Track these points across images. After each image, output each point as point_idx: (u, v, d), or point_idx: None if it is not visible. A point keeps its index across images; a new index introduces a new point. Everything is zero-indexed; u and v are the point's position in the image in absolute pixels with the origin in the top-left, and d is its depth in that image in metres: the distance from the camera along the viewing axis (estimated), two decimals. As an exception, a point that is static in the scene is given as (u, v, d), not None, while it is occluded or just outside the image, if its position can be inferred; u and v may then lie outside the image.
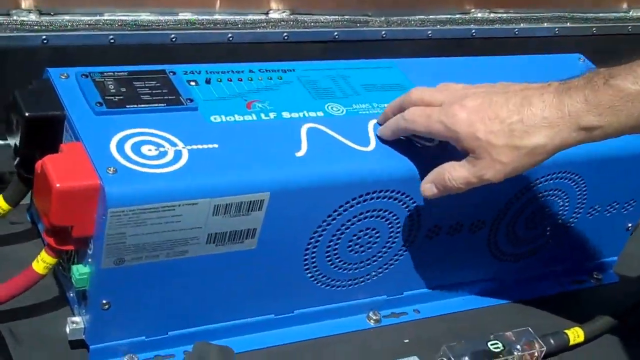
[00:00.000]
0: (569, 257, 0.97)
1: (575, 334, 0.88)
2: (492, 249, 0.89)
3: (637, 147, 0.89)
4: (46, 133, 0.69)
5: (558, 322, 0.90)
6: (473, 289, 0.92)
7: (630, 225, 0.98)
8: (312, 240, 0.76)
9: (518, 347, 0.85)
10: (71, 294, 0.74)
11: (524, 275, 0.95)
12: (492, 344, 0.84)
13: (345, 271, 0.81)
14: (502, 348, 0.83)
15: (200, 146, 0.69)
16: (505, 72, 0.89)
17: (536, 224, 0.89)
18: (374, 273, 0.83)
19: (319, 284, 0.80)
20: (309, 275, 0.79)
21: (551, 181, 0.86)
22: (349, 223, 0.76)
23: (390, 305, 0.87)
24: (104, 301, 0.69)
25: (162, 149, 0.68)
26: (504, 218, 0.86)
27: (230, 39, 0.92)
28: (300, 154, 0.72)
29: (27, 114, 0.69)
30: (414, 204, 0.79)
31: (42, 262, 0.69)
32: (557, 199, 0.88)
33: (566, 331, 0.88)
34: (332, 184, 0.72)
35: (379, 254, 0.81)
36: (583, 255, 0.98)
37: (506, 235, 0.88)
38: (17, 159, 0.71)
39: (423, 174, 0.75)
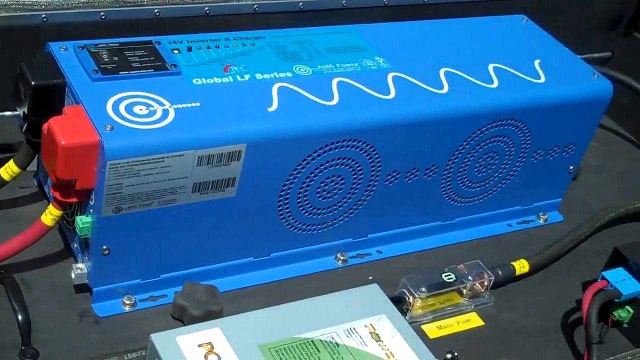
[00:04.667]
0: (517, 199, 1.05)
1: (521, 265, 0.98)
2: (446, 192, 0.98)
3: (576, 94, 0.99)
4: (50, 99, 0.78)
5: (507, 257, 0.98)
6: (430, 230, 1.01)
7: (571, 167, 1.07)
8: (285, 187, 0.85)
9: (469, 277, 0.94)
10: (75, 245, 0.83)
11: (476, 216, 1.04)
12: (445, 276, 0.93)
13: (314, 216, 0.90)
14: (454, 279, 0.93)
15: (184, 105, 0.78)
16: (452, 35, 0.99)
17: (485, 168, 0.98)
18: (340, 217, 0.92)
19: (291, 229, 0.89)
20: (283, 220, 0.88)
21: (496, 128, 0.95)
22: (317, 171, 0.85)
23: (355, 247, 0.96)
24: (104, 247, 0.78)
25: (151, 109, 0.77)
26: (455, 163, 0.95)
27: (207, 12, 1.00)
28: (272, 109, 0.81)
29: (33, 83, 0.77)
30: (374, 152, 0.87)
31: (50, 214, 0.77)
32: (502, 144, 0.97)
33: (512, 263, 0.97)
34: (300, 135, 0.81)
35: (344, 199, 0.90)
36: (530, 197, 1.06)
37: (458, 179, 0.97)
38: (25, 124, 0.80)
39: (382, 124, 0.84)
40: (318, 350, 0.75)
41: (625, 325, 0.94)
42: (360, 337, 0.77)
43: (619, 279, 0.91)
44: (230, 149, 0.77)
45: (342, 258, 0.95)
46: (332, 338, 0.76)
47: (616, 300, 0.90)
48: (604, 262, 0.96)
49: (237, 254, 0.88)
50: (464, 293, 0.94)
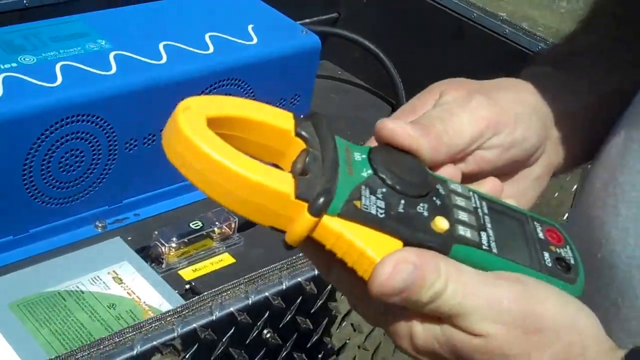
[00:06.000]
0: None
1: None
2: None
3: (286, 49, 1.12)
4: None
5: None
6: (184, 188, 1.12)
7: (302, 115, 1.20)
8: (26, 165, 0.93)
9: (217, 223, 1.06)
10: None
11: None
12: (193, 224, 1.04)
13: (64, 190, 0.99)
14: (201, 225, 1.05)
15: None
16: (172, 12, 1.10)
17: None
18: (91, 187, 1.01)
19: (44, 204, 0.98)
20: (33, 197, 0.96)
21: (221, 88, 1.07)
22: (54, 147, 0.94)
23: (113, 214, 1.05)
24: None
25: None
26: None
27: None
28: (-6, 96, 0.90)
29: None
30: (105, 123, 0.98)
31: None
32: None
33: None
34: (26, 116, 0.90)
35: (90, 170, 1.00)
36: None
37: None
38: None
39: (104, 97, 0.95)
40: (64, 299, 0.85)
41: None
42: (104, 283, 0.88)
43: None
44: (-42, 135, 0.86)
45: (100, 225, 1.04)
46: (78, 287, 0.87)
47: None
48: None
49: (-7, 235, 0.96)
50: (214, 237, 1.06)
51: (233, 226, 1.06)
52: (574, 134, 0.57)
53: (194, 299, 0.78)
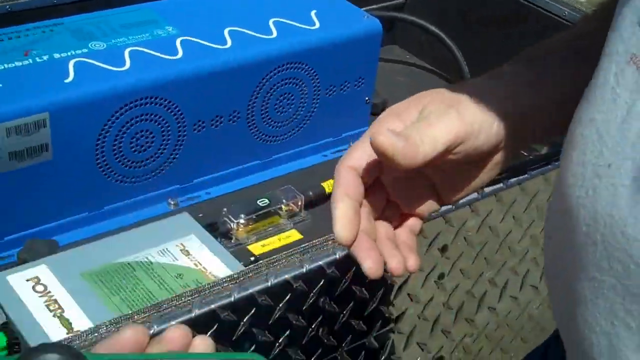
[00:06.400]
0: (327, 132, 1.21)
1: (329, 185, 1.14)
2: (255, 133, 1.14)
3: (348, 34, 1.15)
4: None
5: (318, 180, 1.12)
6: (251, 168, 1.16)
7: (367, 98, 1.23)
8: (98, 146, 0.99)
9: (283, 200, 1.10)
10: None
11: (292, 152, 1.19)
12: (260, 201, 1.09)
13: (136, 168, 1.04)
14: (268, 202, 1.09)
15: (-11, 87, 0.93)
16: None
17: (285, 108, 1.14)
18: (162, 167, 1.07)
19: (118, 182, 1.04)
20: (106, 175, 1.02)
21: (283, 72, 1.10)
22: (124, 129, 1.00)
23: (184, 192, 1.10)
24: (-57, 216, 0.92)
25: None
26: (254, 107, 1.11)
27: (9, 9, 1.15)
28: (68, 80, 0.96)
29: None
30: (174, 105, 1.03)
31: None
32: (294, 85, 1.13)
33: (322, 183, 1.13)
34: (96, 99, 0.96)
35: (160, 151, 1.05)
36: (338, 129, 1.22)
37: (263, 121, 1.13)
38: None
39: (172, 80, 0.99)
40: (134, 269, 0.90)
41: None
42: (172, 255, 0.93)
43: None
44: (34, 118, 0.92)
45: (173, 203, 1.10)
46: (147, 258, 0.92)
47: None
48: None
49: (72, 211, 1.02)
50: (281, 214, 1.09)
51: (300, 204, 1.09)
52: (535, 127, 0.65)
53: (250, 266, 0.82)
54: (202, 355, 0.51)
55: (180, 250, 0.94)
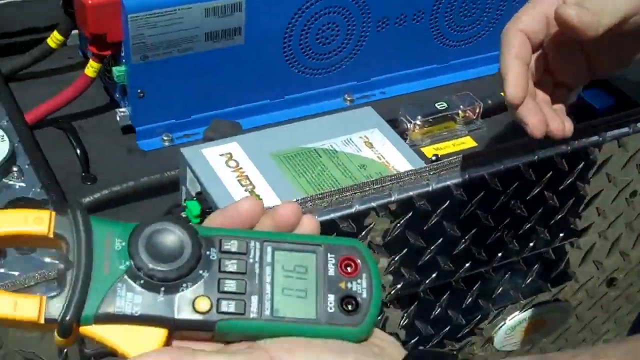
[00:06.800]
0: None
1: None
2: (436, 36, 1.12)
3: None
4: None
5: (496, 90, 1.08)
6: (428, 72, 1.15)
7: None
8: (287, 35, 1.00)
9: (461, 106, 1.08)
10: (117, 95, 1.00)
11: (470, 59, 1.17)
12: (439, 104, 1.07)
13: (318, 61, 1.05)
14: (446, 106, 1.07)
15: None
16: None
17: (470, 12, 1.12)
18: (342, 62, 1.07)
19: (300, 73, 1.05)
20: (290, 65, 1.03)
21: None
22: (312, 19, 1.00)
23: (360, 90, 1.10)
24: (139, 90, 0.95)
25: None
26: (440, 7, 1.09)
27: None
28: (266, -37, 0.96)
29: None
30: (362, 0, 1.02)
31: (91, 67, 0.95)
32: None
33: (502, 93, 1.11)
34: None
35: (343, 45, 1.05)
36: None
37: (446, 23, 1.11)
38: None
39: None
40: (320, 155, 0.91)
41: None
42: (356, 145, 0.93)
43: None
44: (231, 1, 0.93)
45: (349, 99, 1.10)
46: (332, 146, 0.92)
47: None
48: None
49: (254, 97, 1.04)
50: (457, 120, 1.08)
51: (477, 111, 1.07)
52: None
53: (413, 169, 0.80)
54: (305, 237, 0.51)
55: (364, 142, 0.94)
